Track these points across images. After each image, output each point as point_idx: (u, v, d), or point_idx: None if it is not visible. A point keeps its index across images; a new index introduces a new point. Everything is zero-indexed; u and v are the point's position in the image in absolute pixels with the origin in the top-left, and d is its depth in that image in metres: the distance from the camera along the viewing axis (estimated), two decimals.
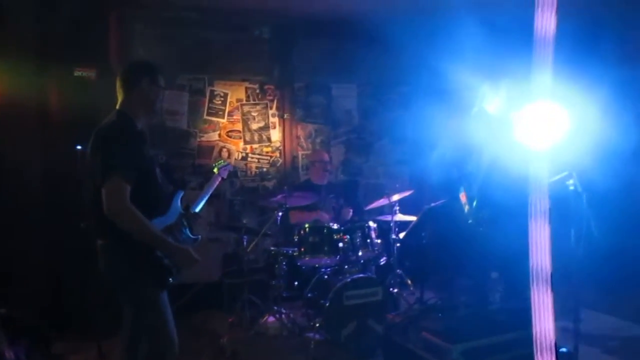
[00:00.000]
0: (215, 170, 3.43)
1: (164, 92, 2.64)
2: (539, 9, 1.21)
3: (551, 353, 1.32)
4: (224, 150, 5.39)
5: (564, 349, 2.60)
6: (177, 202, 2.55)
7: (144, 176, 2.32)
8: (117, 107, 2.45)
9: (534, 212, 1.33)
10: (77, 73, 4.11)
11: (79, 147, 3.56)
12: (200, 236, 2.69)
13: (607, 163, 3.34)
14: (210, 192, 3.09)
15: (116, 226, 2.20)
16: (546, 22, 1.22)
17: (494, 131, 3.40)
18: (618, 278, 5.18)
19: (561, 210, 3.11)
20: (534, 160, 1.53)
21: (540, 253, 1.31)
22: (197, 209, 2.84)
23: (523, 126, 1.87)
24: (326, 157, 4.97)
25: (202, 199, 2.96)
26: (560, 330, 3.70)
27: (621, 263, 5.22)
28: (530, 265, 1.34)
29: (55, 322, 3.92)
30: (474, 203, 3.52)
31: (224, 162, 3.54)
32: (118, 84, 2.45)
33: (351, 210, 4.85)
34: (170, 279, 2.39)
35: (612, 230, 3.26)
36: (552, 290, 1.33)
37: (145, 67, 2.52)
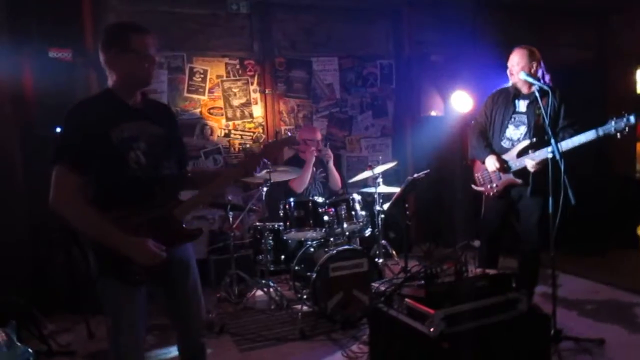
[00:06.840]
0: None
1: (150, 58, 2.08)
2: None
3: None
4: (206, 127, 5.36)
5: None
6: None
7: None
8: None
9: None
10: (51, 54, 4.01)
11: (58, 130, 3.50)
12: None
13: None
14: None
15: None
16: None
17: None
18: (593, 243, 5.35)
19: (540, 177, 3.19)
20: None
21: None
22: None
23: None
24: (319, 135, 4.74)
25: None
26: (538, 295, 3.82)
27: (596, 229, 5.39)
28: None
29: (44, 303, 3.94)
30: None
31: None
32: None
33: (339, 179, 4.81)
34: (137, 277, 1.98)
35: (587, 197, 3.33)
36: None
37: (116, 31, 2.03)
